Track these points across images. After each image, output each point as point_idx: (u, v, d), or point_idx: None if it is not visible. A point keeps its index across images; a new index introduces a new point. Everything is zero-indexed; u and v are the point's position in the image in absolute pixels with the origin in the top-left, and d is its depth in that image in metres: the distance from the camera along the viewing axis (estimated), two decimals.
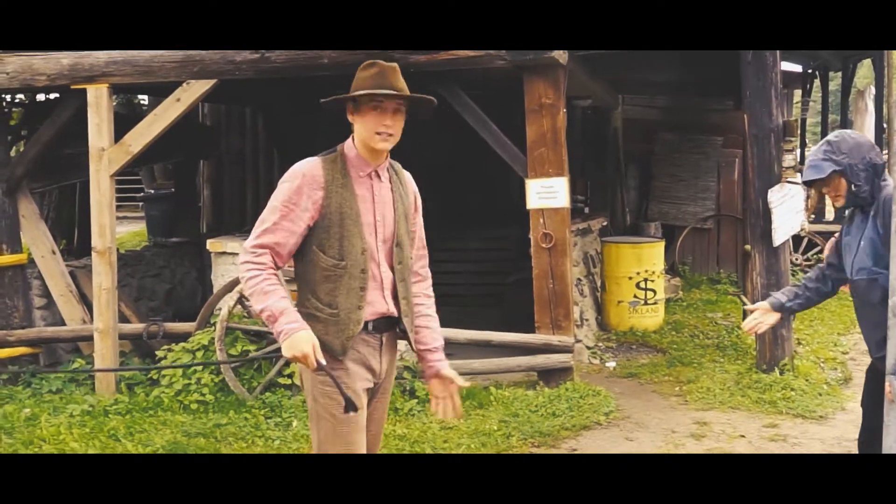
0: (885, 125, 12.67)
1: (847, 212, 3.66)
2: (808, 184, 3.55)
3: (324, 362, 2.86)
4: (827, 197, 3.57)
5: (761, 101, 6.63)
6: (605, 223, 10.47)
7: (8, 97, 7.68)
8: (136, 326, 7.10)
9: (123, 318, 7.32)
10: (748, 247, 8.91)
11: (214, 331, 6.32)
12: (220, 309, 6.50)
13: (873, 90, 13.16)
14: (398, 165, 3.25)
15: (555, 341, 6.57)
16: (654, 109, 12.26)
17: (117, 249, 8.38)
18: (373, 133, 3.00)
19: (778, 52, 6.65)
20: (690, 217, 11.76)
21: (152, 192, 13.55)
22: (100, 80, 6.51)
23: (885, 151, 12.66)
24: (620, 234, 10.87)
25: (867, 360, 7.52)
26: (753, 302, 7.74)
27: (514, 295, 9.42)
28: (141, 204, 16.25)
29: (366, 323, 3.06)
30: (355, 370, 3.05)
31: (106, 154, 6.54)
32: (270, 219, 3.00)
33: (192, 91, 6.49)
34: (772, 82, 6.61)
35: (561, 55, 6.46)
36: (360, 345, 3.06)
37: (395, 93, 2.98)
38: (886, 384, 3.11)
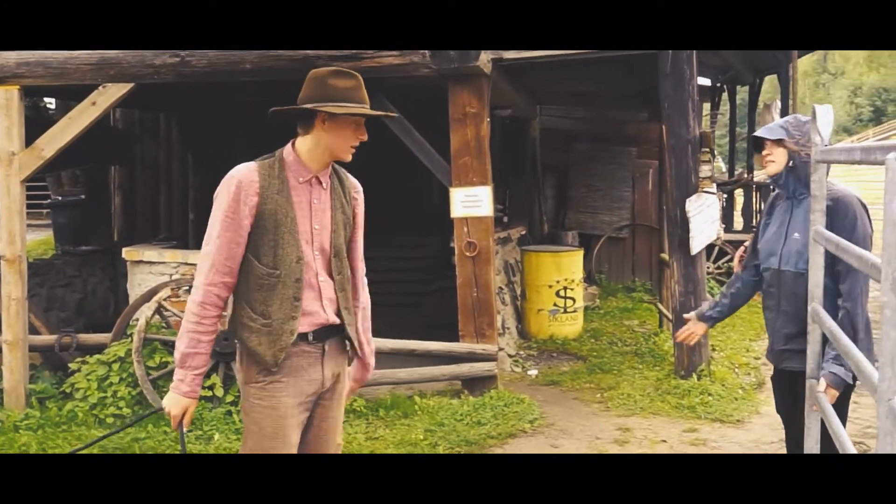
0: None
1: (768, 201, 3.76)
2: (756, 142, 3.63)
3: (185, 430, 3.02)
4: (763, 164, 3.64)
5: (679, 112, 6.79)
6: (523, 232, 10.56)
7: None
8: (47, 338, 6.84)
9: (33, 330, 7.06)
10: (664, 255, 9.13)
11: (131, 342, 6.13)
12: (137, 319, 6.31)
13: (779, 104, 13.62)
14: (344, 172, 3.19)
15: (479, 350, 6.59)
16: (571, 120, 12.45)
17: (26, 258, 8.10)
18: (348, 147, 2.98)
19: (695, 64, 6.81)
20: (606, 226, 11.97)
21: (60, 199, 13.11)
22: (10, 82, 6.27)
23: None
24: (538, 243, 10.99)
25: None
26: (670, 309, 7.96)
27: (434, 303, 9.47)
28: (46, 211, 15.72)
29: (305, 334, 2.98)
30: (289, 384, 2.97)
31: (17, 159, 6.30)
32: (213, 238, 2.92)
33: (108, 95, 6.30)
34: (689, 94, 6.77)
35: (484, 64, 6.50)
36: (298, 357, 2.99)
37: (382, 114, 3.06)
38: (807, 387, 3.21)
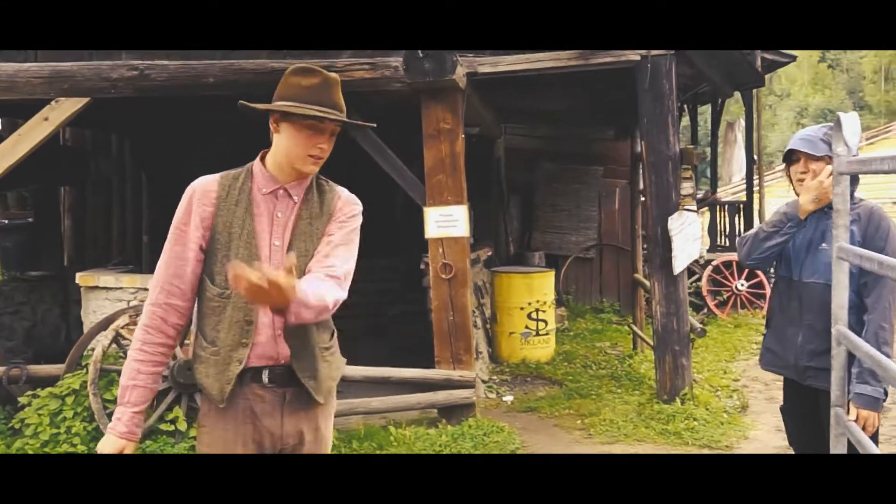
0: (755, 156, 13.13)
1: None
2: (789, 157, 3.37)
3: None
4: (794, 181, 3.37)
5: (658, 128, 6.60)
6: (490, 253, 10.32)
7: None
8: None
9: None
10: (638, 276, 8.94)
11: (86, 373, 5.73)
12: (92, 349, 5.91)
13: (742, 122, 13.61)
14: (329, 184, 2.81)
15: (455, 376, 6.29)
16: (536, 139, 12.26)
17: None
18: (304, 155, 2.60)
19: (673, 80, 6.64)
20: (573, 246, 11.78)
21: (6, 221, 12.56)
22: None
23: (756, 178, 13.12)
24: (504, 264, 10.74)
25: (758, 386, 7.56)
26: (649, 330, 7.73)
27: (397, 328, 9.23)
28: None
29: (257, 370, 2.61)
30: (237, 432, 2.62)
31: None
32: (163, 254, 2.64)
33: (61, 110, 5.93)
34: (668, 109, 6.59)
35: (460, 78, 6.26)
36: (252, 398, 2.63)
37: (343, 119, 2.63)
38: (832, 417, 2.97)
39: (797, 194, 3.36)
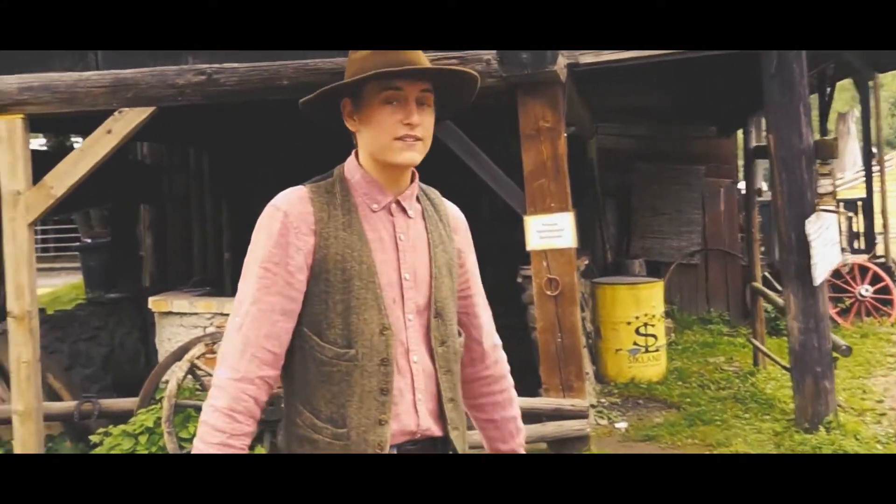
0: (874, 149, 12.05)
1: None
2: None
3: None
4: None
5: (788, 118, 5.78)
6: (587, 262, 9.59)
7: None
8: (66, 405, 5.95)
9: (52, 393, 6.19)
10: (757, 284, 8.09)
11: (161, 409, 5.21)
12: (166, 381, 5.39)
13: (856, 113, 12.54)
14: (435, 193, 2.17)
15: (567, 405, 5.58)
16: (630, 138, 11.47)
17: (44, 311, 7.28)
18: (391, 139, 1.94)
19: (805, 62, 5.82)
20: (676, 252, 10.92)
21: (89, 241, 12.34)
22: (12, 110, 5.42)
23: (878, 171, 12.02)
24: (602, 272, 9.99)
25: None
26: (780, 349, 6.92)
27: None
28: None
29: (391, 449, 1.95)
30: None
31: (23, 199, 5.44)
32: (246, 305, 1.93)
33: (125, 121, 5.43)
34: (800, 97, 5.77)
35: (561, 70, 5.56)
36: None
37: (421, 68, 1.93)
38: None
39: None
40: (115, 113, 5.44)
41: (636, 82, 8.45)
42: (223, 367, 1.91)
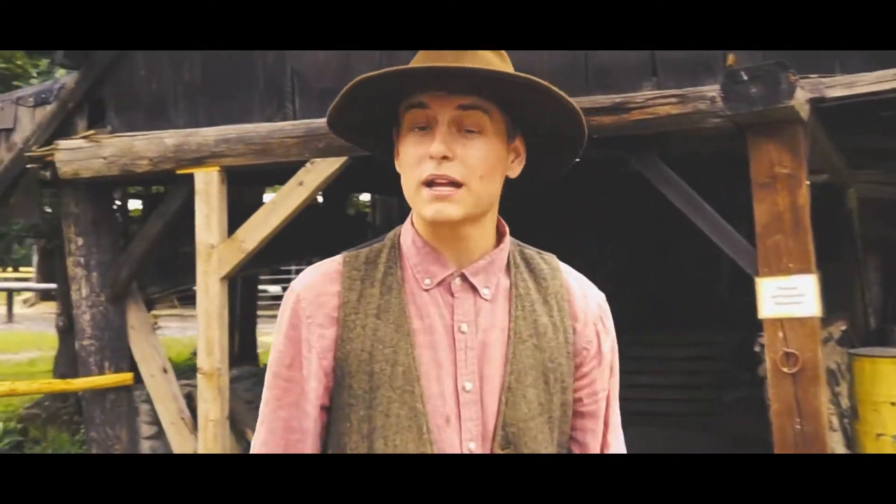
0: None
1: None
2: None
3: None
4: None
5: None
6: (843, 328, 8.38)
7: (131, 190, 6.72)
8: None
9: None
10: None
11: None
12: None
13: None
14: (546, 260, 1.53)
15: None
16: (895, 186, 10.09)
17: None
18: (416, 182, 1.36)
19: None
20: None
21: None
22: (209, 163, 5.35)
23: None
24: (863, 341, 8.71)
25: None
26: None
27: (732, 417, 7.87)
28: None
29: None
30: None
31: (216, 252, 5.32)
32: (262, 421, 1.45)
33: (316, 172, 5.19)
34: None
35: (800, 105, 4.70)
36: None
37: (430, 67, 1.31)
38: None
39: None
40: (307, 164, 5.21)
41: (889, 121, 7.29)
42: None
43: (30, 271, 22.96)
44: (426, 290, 1.40)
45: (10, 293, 21.10)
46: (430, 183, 1.33)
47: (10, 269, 11.01)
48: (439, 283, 1.40)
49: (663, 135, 4.99)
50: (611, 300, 1.56)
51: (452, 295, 1.41)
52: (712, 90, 4.82)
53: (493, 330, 1.41)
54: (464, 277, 1.42)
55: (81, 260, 5.81)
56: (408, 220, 1.47)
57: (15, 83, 8.16)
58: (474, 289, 1.42)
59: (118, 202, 7.20)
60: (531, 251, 1.52)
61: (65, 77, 6.04)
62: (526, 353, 1.42)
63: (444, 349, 1.38)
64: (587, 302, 1.51)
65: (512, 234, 1.47)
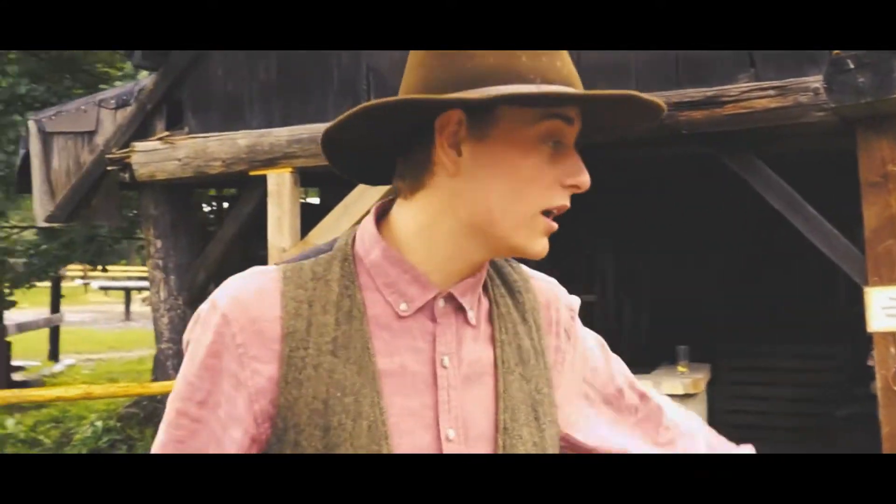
0: None
1: None
2: None
3: None
4: None
5: None
6: None
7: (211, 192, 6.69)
8: None
9: None
10: None
11: None
12: None
13: None
14: (511, 268, 1.25)
15: None
16: None
17: None
18: (538, 208, 1.09)
19: None
20: None
21: None
22: (281, 164, 5.22)
23: None
24: None
25: None
26: None
27: (847, 434, 7.38)
28: None
29: None
30: None
31: (287, 256, 5.18)
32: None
33: None
34: None
35: None
36: None
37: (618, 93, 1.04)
38: None
39: None
40: None
41: None
42: None
43: (144, 270, 23.52)
44: (402, 318, 1.11)
45: (128, 292, 21.70)
46: (547, 212, 1.10)
47: (99, 267, 11.20)
48: (420, 309, 1.12)
49: (761, 131, 4.59)
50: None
51: (435, 321, 1.12)
52: (815, 81, 4.39)
53: (479, 363, 1.14)
54: (449, 298, 1.13)
55: (160, 263, 5.78)
56: (369, 227, 1.15)
57: (101, 86, 8.28)
58: (458, 311, 1.14)
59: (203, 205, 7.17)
60: (498, 261, 1.23)
61: (146, 79, 6.04)
62: (515, 386, 1.15)
63: (420, 392, 1.10)
64: (548, 298, 1.26)
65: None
